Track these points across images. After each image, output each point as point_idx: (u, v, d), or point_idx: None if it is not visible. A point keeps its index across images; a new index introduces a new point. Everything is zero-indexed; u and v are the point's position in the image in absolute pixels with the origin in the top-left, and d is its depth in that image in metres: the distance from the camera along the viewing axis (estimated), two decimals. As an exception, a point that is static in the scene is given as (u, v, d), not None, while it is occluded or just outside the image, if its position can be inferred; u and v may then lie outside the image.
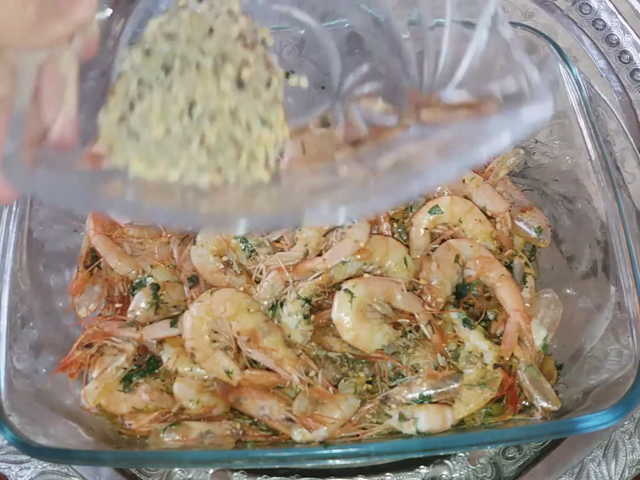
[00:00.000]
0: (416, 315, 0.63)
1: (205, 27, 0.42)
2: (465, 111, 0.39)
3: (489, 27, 0.37)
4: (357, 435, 0.60)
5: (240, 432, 0.61)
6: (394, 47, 0.46)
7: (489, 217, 0.69)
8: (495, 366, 0.62)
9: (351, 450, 0.56)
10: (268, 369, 0.63)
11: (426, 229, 0.69)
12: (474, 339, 0.62)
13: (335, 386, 0.62)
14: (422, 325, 0.63)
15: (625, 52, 0.79)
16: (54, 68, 0.33)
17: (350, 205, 0.34)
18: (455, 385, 0.62)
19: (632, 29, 0.80)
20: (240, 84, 0.41)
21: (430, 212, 0.68)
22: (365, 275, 0.64)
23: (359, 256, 0.65)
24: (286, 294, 0.64)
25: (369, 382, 0.63)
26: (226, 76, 0.41)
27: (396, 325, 0.64)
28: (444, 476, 0.63)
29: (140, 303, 0.66)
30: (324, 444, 0.59)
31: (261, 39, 0.44)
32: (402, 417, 0.60)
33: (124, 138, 0.41)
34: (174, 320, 0.65)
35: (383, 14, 0.47)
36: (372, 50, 0.49)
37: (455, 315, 0.64)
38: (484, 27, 0.38)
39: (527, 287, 0.67)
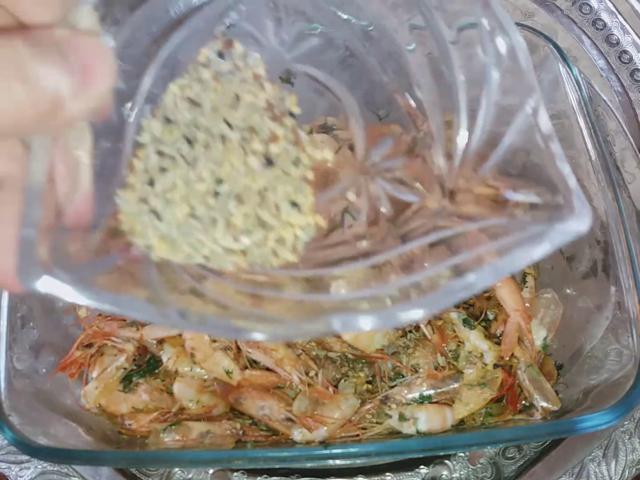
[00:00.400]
0: (416, 315, 0.63)
1: (231, 93, 0.39)
2: (494, 205, 0.37)
3: (529, 118, 0.35)
4: (357, 435, 0.60)
5: (240, 432, 0.61)
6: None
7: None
8: (495, 366, 0.62)
9: (351, 450, 0.56)
10: (268, 369, 0.63)
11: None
12: (474, 339, 0.62)
13: (335, 386, 0.62)
14: (422, 325, 0.63)
15: (625, 52, 0.79)
16: (65, 138, 0.30)
17: (376, 315, 0.30)
18: (455, 385, 0.62)
19: (632, 29, 0.80)
20: (268, 161, 0.38)
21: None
22: (365, 275, 0.64)
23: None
24: (286, 293, 0.64)
25: (369, 382, 0.63)
26: (254, 152, 0.38)
27: (396, 325, 0.64)
28: (444, 476, 0.63)
29: (140, 303, 0.66)
30: (324, 444, 0.59)
31: (288, 110, 0.41)
32: (402, 417, 0.60)
33: (145, 218, 0.38)
34: (174, 320, 0.64)
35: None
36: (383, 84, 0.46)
37: (455, 315, 0.64)
38: (523, 119, 0.35)
39: (527, 287, 0.67)
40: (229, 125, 0.39)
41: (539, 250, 0.31)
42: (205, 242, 0.38)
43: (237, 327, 0.31)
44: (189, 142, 0.39)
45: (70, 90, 0.26)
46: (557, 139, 0.34)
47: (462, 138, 0.40)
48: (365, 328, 0.30)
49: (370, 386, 0.63)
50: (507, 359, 0.63)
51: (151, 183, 0.38)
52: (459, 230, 0.37)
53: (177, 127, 0.39)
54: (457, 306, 0.65)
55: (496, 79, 0.38)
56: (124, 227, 0.38)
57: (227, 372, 0.62)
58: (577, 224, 0.31)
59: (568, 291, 0.66)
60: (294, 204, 0.39)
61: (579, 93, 0.63)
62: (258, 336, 0.30)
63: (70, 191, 0.30)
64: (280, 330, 0.31)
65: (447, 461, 0.63)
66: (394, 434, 0.60)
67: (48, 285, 0.26)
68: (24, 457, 0.63)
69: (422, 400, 0.61)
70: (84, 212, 0.31)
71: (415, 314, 0.30)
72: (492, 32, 0.37)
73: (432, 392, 0.61)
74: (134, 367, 0.64)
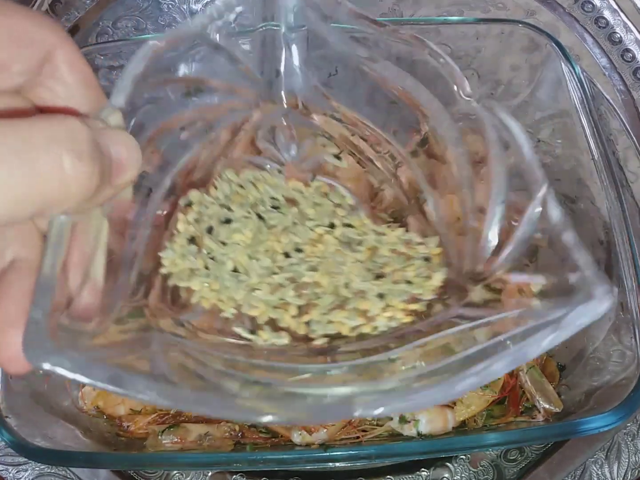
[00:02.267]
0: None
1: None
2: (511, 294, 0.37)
3: (539, 212, 0.36)
4: (358, 438, 0.60)
5: (239, 434, 0.60)
6: None
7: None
8: (497, 367, 0.61)
9: (351, 452, 0.55)
10: (267, 370, 0.62)
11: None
12: (476, 340, 0.62)
13: (336, 387, 0.62)
14: (423, 326, 0.62)
15: (628, 50, 0.78)
16: (83, 231, 0.30)
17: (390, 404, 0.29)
18: (456, 386, 0.61)
19: (635, 27, 0.79)
20: (378, 275, 0.38)
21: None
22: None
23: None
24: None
25: (369, 384, 0.63)
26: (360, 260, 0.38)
27: (397, 326, 0.63)
28: (445, 479, 0.62)
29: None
30: (324, 446, 0.58)
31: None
32: (402, 419, 0.59)
33: (192, 258, 0.37)
34: (173, 321, 0.64)
35: None
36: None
37: (456, 316, 0.63)
38: (532, 212, 0.36)
39: (529, 287, 0.66)
40: (332, 224, 0.39)
41: (559, 336, 0.30)
42: (262, 292, 0.37)
43: (247, 408, 0.29)
44: (275, 207, 0.39)
45: (110, 174, 0.27)
46: (572, 226, 0.35)
47: (472, 238, 0.40)
48: (383, 414, 0.29)
49: (370, 387, 0.63)
50: (509, 360, 0.62)
51: (209, 231, 0.38)
52: (478, 322, 0.37)
53: (254, 194, 0.39)
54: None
55: (503, 180, 0.38)
56: (165, 270, 0.38)
57: (226, 374, 0.61)
58: (597, 306, 0.30)
59: (570, 292, 0.65)
60: (382, 296, 0.38)
61: (581, 92, 0.63)
62: (268, 419, 0.28)
63: (81, 281, 0.30)
64: (295, 415, 0.29)
65: (448, 463, 0.62)
66: (395, 436, 0.60)
67: (56, 363, 0.25)
68: (22, 459, 0.63)
69: (423, 402, 0.60)
70: (92, 304, 0.31)
71: (433, 401, 0.29)
72: (498, 130, 0.38)
73: (433, 393, 0.61)
74: (132, 369, 0.64)
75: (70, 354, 0.25)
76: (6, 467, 0.63)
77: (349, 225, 0.41)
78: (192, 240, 0.38)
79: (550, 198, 0.35)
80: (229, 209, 0.39)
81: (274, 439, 0.61)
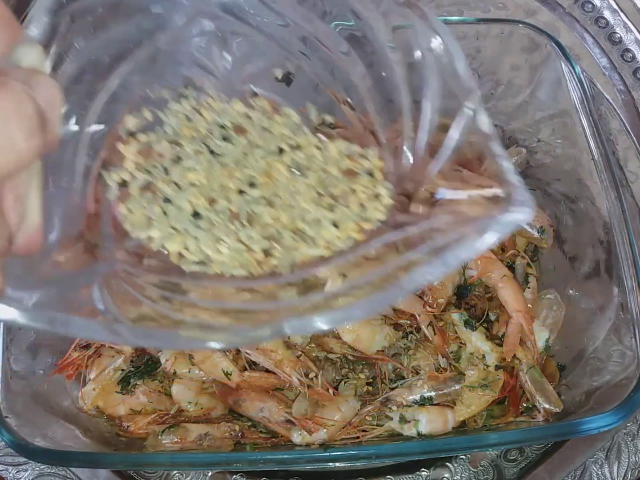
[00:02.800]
0: (417, 316, 0.63)
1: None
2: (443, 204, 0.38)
3: (469, 119, 0.36)
4: (357, 438, 0.60)
5: (239, 434, 0.60)
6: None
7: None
8: (497, 367, 0.61)
9: (351, 452, 0.55)
10: (267, 371, 0.62)
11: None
12: (476, 340, 0.62)
13: (336, 388, 0.62)
14: (423, 327, 0.62)
15: (628, 50, 0.78)
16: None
17: (328, 315, 0.30)
18: (457, 386, 0.61)
19: (635, 27, 0.79)
20: (333, 197, 0.39)
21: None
22: (366, 275, 0.64)
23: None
24: (286, 294, 0.64)
25: (369, 384, 0.63)
26: (310, 185, 0.39)
27: (397, 327, 0.63)
28: (445, 479, 0.62)
29: (138, 304, 0.66)
30: (324, 446, 0.58)
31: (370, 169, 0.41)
32: (402, 419, 0.59)
33: (145, 203, 0.37)
34: (173, 321, 0.64)
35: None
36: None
37: (456, 316, 0.63)
38: (462, 119, 0.36)
39: (529, 287, 0.66)
40: (281, 150, 0.39)
41: (483, 242, 0.31)
42: (229, 240, 0.37)
43: (189, 337, 0.30)
44: (225, 139, 0.39)
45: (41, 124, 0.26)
46: (498, 137, 0.34)
47: (408, 140, 0.41)
48: (315, 329, 0.30)
49: (370, 388, 0.62)
50: (509, 360, 0.62)
51: (164, 172, 0.38)
52: (411, 230, 0.37)
53: (203, 124, 0.39)
54: (458, 307, 0.64)
55: (435, 84, 0.38)
56: (127, 226, 0.37)
57: (226, 374, 0.61)
58: (518, 215, 0.32)
59: (570, 292, 0.65)
60: (335, 225, 0.39)
61: (581, 92, 0.63)
62: (213, 345, 0.30)
63: (19, 220, 0.30)
64: (233, 339, 0.31)
65: (448, 463, 0.62)
66: (395, 436, 0.60)
67: None
68: (22, 459, 0.63)
69: (423, 402, 0.60)
70: (34, 240, 0.31)
71: (370, 309, 0.30)
72: (429, 39, 0.37)
73: (433, 393, 0.61)
74: (132, 369, 0.64)
75: (11, 299, 0.25)
76: (6, 467, 0.63)
77: (297, 147, 0.41)
78: (147, 187, 0.38)
79: (480, 107, 0.35)
80: (180, 144, 0.39)
81: (274, 439, 0.61)
